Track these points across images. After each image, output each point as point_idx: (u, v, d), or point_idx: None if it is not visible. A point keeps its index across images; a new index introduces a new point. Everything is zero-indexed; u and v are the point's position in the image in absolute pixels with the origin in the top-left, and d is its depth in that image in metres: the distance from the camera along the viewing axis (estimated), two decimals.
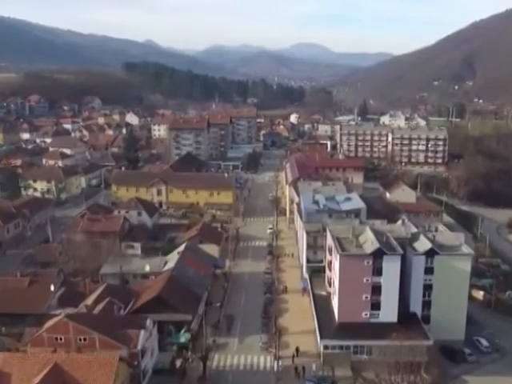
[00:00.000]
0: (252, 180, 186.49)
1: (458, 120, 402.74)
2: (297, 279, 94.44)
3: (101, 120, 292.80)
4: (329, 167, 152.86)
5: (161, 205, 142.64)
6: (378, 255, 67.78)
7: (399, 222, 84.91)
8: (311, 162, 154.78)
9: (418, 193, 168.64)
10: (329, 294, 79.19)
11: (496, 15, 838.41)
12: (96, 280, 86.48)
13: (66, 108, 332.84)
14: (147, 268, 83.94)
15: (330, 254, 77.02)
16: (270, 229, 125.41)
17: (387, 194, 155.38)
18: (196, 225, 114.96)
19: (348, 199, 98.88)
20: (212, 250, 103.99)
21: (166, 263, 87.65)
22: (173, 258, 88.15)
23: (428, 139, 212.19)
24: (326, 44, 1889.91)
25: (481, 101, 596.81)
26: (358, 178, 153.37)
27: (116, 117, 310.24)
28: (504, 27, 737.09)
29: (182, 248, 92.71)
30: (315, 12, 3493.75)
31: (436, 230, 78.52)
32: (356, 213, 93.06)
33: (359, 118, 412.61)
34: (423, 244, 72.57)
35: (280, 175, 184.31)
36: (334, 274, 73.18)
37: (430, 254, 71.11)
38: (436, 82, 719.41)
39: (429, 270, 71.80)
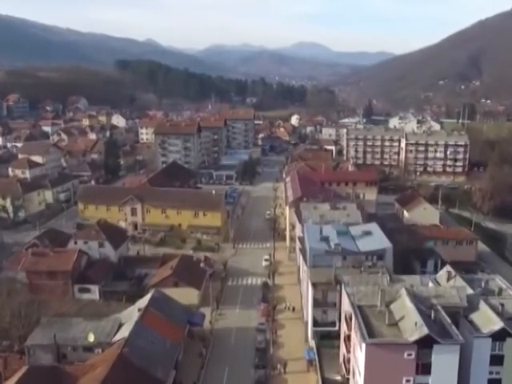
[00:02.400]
0: (247, 193, 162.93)
1: (468, 122, 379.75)
2: (299, 341, 70.76)
3: (85, 122, 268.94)
4: (337, 181, 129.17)
5: (136, 227, 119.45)
6: (425, 344, 44.31)
7: (441, 273, 61.32)
8: (316, 176, 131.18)
9: (440, 209, 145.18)
10: (345, 379, 55.77)
11: (501, 14, 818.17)
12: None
13: (48, 108, 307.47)
14: (91, 338, 60.42)
15: (349, 326, 53.55)
16: (266, 260, 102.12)
17: (405, 213, 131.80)
18: (173, 258, 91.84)
19: (367, 234, 75.21)
20: (190, 296, 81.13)
21: (120, 326, 64.18)
22: (131, 318, 64.65)
23: (447, 145, 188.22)
24: (326, 43, 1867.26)
25: (489, 101, 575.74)
26: (371, 194, 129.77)
27: (102, 118, 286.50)
28: (510, 26, 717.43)
29: (145, 300, 69.24)
30: (316, 11, 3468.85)
31: (500, 291, 54.69)
32: (379, 255, 69.50)
33: (364, 120, 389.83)
34: (488, 319, 49.03)
35: (279, 187, 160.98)
36: (356, 363, 49.66)
37: (500, 335, 47.63)
38: (441, 82, 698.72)
39: (497, 359, 48.40)
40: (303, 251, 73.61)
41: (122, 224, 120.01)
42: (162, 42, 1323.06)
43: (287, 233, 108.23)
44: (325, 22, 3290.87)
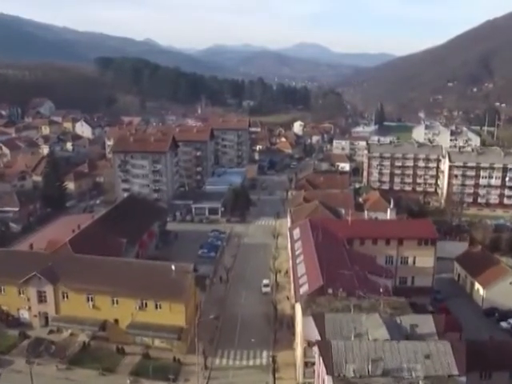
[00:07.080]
0: (237, 238, 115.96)
1: (493, 129, 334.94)
2: None
3: (45, 130, 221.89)
4: (372, 238, 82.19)
5: (47, 322, 72.42)
6: None
7: None
8: (339, 228, 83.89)
9: None
10: None
11: (511, 13, 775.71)
12: None
13: (3, 113, 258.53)
14: None
15: None
16: None
17: (479, 290, 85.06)
18: None
19: None
20: None
21: None
22: None
23: (505, 169, 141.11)
24: (326, 44, 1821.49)
25: (503, 105, 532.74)
26: (426, 259, 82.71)
27: (69, 125, 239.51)
28: None
29: None
30: (316, 12, 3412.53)
31: None
32: None
33: (376, 126, 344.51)
34: None
35: (282, 228, 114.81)
36: None
37: None
38: (450, 84, 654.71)
39: None
40: None
41: (25, 315, 73.49)
42: (162, 42, 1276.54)
43: (299, 354, 61.13)
44: (325, 22, 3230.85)
